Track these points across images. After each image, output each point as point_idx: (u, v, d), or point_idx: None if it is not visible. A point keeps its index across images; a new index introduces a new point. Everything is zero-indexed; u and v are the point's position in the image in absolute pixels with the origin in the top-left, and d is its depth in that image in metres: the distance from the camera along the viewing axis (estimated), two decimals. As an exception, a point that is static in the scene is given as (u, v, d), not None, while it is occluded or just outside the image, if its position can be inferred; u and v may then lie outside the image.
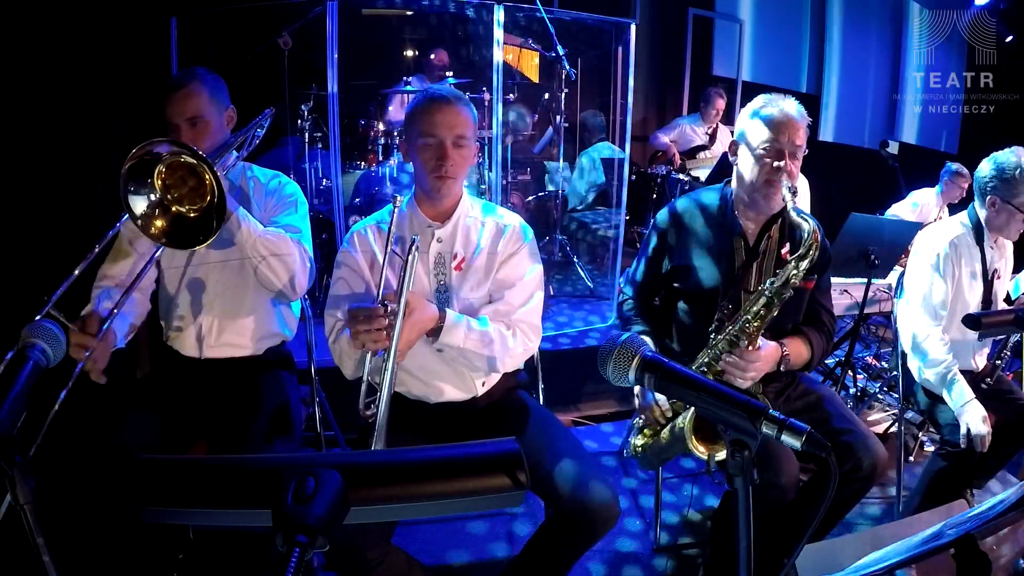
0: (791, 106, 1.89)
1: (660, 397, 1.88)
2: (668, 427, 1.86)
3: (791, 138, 1.86)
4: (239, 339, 2.00)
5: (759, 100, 1.94)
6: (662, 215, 2.11)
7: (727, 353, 1.83)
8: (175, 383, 1.96)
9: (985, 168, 2.35)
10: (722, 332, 1.86)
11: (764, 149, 1.87)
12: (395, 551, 1.66)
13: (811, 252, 1.78)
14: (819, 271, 2.02)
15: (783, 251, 1.97)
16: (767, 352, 1.85)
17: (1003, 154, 2.31)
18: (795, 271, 1.78)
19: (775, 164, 1.86)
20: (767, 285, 1.80)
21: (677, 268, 2.05)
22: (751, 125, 1.92)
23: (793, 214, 1.81)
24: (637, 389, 1.97)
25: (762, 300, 1.80)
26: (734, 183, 2.02)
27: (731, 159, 2.01)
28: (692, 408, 1.71)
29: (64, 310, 1.47)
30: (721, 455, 1.66)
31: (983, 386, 2.38)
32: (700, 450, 1.74)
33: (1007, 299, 2.60)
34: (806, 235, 1.79)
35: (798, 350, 1.95)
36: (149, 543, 1.77)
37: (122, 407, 1.85)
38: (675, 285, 2.07)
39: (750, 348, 1.81)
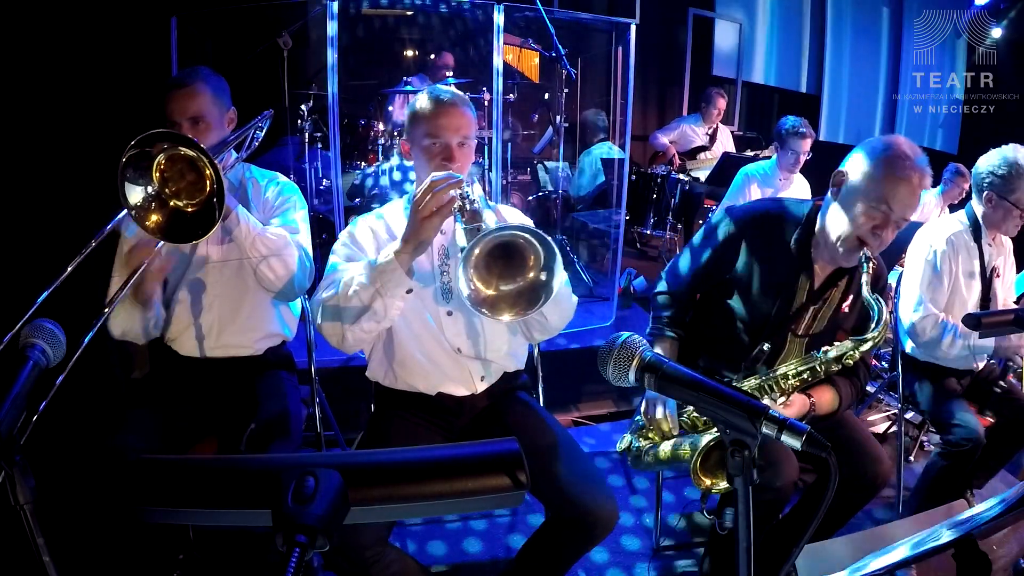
0: (922, 173, 1.65)
1: (671, 415, 1.81)
2: (672, 444, 1.80)
3: (903, 212, 1.66)
4: (239, 339, 2.00)
5: (891, 150, 1.65)
6: (742, 214, 1.88)
7: None
8: (175, 383, 1.96)
9: (982, 164, 2.35)
10: (754, 374, 1.76)
11: (872, 210, 1.66)
12: (392, 550, 1.66)
13: (876, 342, 1.69)
14: None
15: (844, 305, 1.85)
16: (795, 407, 1.77)
17: (999, 151, 2.31)
18: (853, 352, 1.70)
19: (874, 231, 1.67)
20: (820, 355, 1.72)
21: (732, 282, 1.87)
22: (870, 173, 1.67)
23: (867, 294, 1.67)
24: (645, 403, 1.88)
25: (809, 365, 1.72)
26: (824, 219, 1.78)
27: (830, 191, 1.77)
28: (704, 441, 1.65)
29: (60, 310, 1.46)
30: (722, 485, 1.62)
31: (996, 389, 2.40)
32: (705, 483, 1.66)
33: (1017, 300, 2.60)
34: (876, 322, 1.67)
35: (825, 400, 1.82)
36: (149, 543, 1.78)
37: (121, 407, 1.86)
38: (724, 300, 1.90)
39: (781, 404, 1.72)
